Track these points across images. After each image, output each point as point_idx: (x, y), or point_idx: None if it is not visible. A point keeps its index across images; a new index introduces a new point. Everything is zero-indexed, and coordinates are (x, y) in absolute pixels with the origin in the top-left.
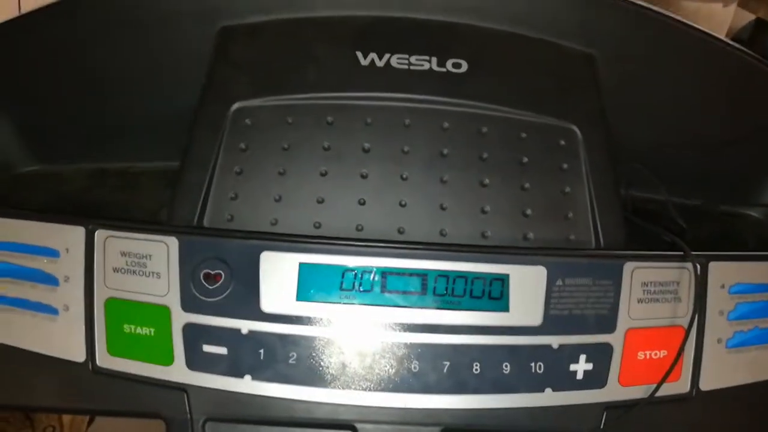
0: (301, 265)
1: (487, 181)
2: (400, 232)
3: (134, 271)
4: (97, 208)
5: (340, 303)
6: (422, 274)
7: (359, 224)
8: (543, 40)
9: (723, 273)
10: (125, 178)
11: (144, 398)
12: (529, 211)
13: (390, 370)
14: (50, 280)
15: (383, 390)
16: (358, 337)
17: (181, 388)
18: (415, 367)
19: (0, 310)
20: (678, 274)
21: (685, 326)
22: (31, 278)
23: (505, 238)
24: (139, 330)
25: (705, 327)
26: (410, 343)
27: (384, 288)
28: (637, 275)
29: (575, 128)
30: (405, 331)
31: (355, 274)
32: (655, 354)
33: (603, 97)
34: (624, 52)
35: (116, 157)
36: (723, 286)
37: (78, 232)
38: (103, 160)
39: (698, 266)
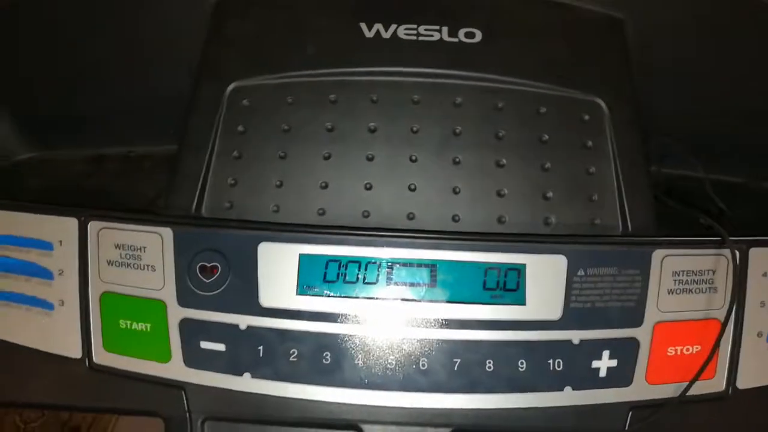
0: (302, 257)
1: (504, 161)
2: (410, 218)
3: (129, 264)
4: (96, 196)
5: (343, 297)
6: (431, 265)
7: (366, 210)
8: (565, 4)
9: (765, 260)
10: (126, 163)
11: (141, 396)
12: (550, 194)
13: (397, 367)
14: (44, 274)
15: (390, 389)
16: (363, 333)
17: (179, 386)
18: (423, 365)
19: None
20: (714, 261)
21: (722, 319)
22: (26, 272)
23: (524, 222)
24: (135, 325)
25: (744, 319)
26: (418, 339)
27: (390, 280)
28: (668, 263)
29: (601, 101)
30: (413, 326)
31: (359, 266)
32: (687, 349)
33: (632, 66)
34: (657, 16)
35: (117, 141)
36: (765, 275)
37: (71, 224)
38: (103, 145)
39: (737, 253)
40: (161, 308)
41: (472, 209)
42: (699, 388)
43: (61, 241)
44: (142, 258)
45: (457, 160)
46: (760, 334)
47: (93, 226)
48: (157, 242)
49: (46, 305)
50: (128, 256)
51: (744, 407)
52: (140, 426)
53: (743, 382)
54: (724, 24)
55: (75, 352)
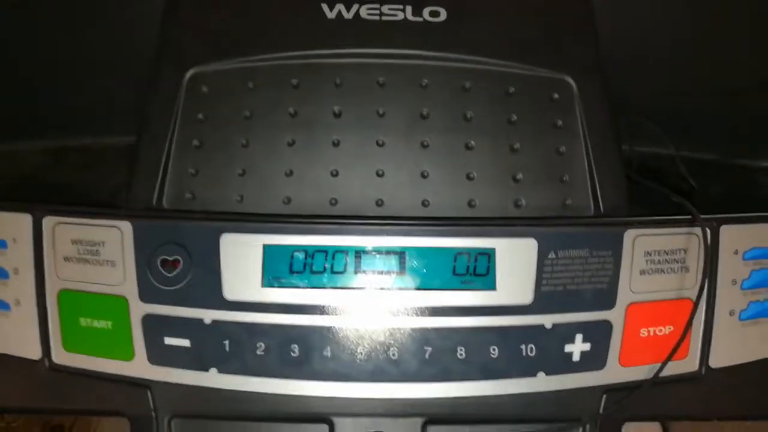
0: (266, 247)
1: (472, 143)
2: (379, 204)
3: (87, 260)
4: (57, 190)
5: (309, 287)
6: (400, 252)
7: (333, 198)
8: None
9: (737, 237)
10: (89, 155)
11: (105, 396)
12: (520, 175)
13: (367, 358)
14: None
15: (360, 380)
16: (331, 324)
17: (144, 384)
18: (394, 354)
19: None
20: (686, 240)
21: (694, 298)
22: None
23: (495, 205)
24: (95, 323)
25: (716, 298)
26: (388, 328)
27: (358, 269)
28: (640, 243)
29: (570, 80)
30: (382, 315)
31: (326, 255)
32: (660, 330)
33: (600, 43)
34: None
35: (79, 132)
36: (736, 252)
37: (25, 220)
38: (64, 137)
39: (708, 231)
40: (123, 304)
41: (442, 193)
42: (672, 369)
43: (15, 239)
44: (101, 253)
45: (426, 143)
46: (732, 313)
47: (48, 222)
48: (116, 236)
49: (2, 305)
50: (86, 252)
51: (717, 386)
52: (124, 423)
53: (716, 361)
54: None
55: (34, 352)
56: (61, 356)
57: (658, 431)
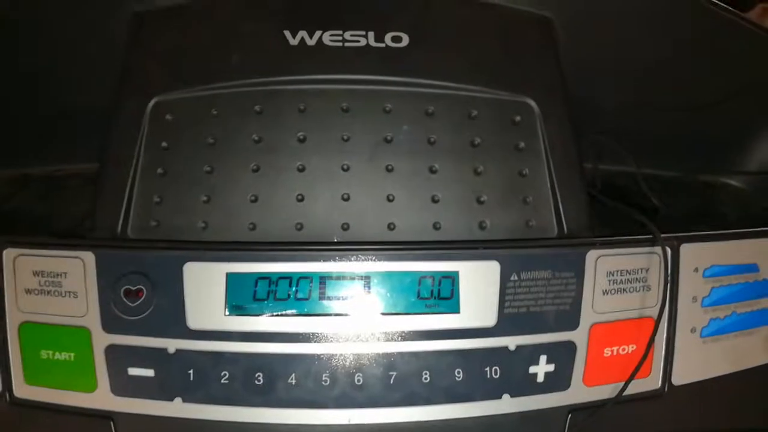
0: (229, 275)
1: (437, 166)
2: (345, 228)
3: (49, 291)
4: (18, 219)
5: (274, 315)
6: (364, 277)
7: (299, 222)
8: (491, 4)
9: (696, 255)
10: (53, 183)
11: (68, 429)
12: (484, 197)
13: (332, 384)
14: None
15: (325, 406)
16: (295, 351)
17: (107, 416)
18: (359, 380)
19: None
20: (647, 260)
21: (655, 317)
22: None
23: (460, 227)
24: (57, 355)
25: (677, 316)
26: (353, 354)
27: (323, 295)
28: (602, 264)
29: (531, 102)
30: (347, 340)
31: (290, 282)
32: (623, 349)
33: (562, 64)
34: (584, 12)
35: (40, 161)
36: (696, 270)
37: None
38: (26, 165)
39: (668, 250)
40: (85, 335)
41: (408, 216)
42: (635, 387)
43: None
44: (63, 284)
45: (390, 167)
46: (693, 330)
47: (8, 254)
48: (78, 267)
49: None
50: (48, 284)
51: (679, 403)
52: None
53: (678, 379)
54: (650, 20)
55: None
56: (21, 390)
57: None
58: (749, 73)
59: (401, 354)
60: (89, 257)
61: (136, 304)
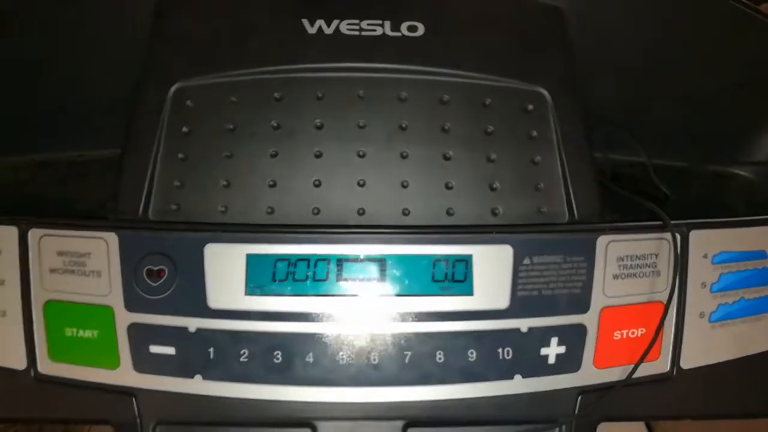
0: (249, 257)
1: (450, 153)
2: (360, 213)
3: (73, 271)
4: (42, 203)
5: (292, 295)
6: (380, 260)
7: (315, 207)
8: None
9: (705, 242)
10: (75, 168)
11: (90, 404)
12: (497, 184)
13: (348, 362)
14: None
15: (342, 384)
16: (313, 330)
17: (129, 392)
18: (374, 359)
19: None
20: (657, 245)
21: (665, 301)
22: None
23: (473, 214)
24: (81, 333)
25: (686, 301)
26: (369, 334)
27: (339, 276)
28: (613, 249)
29: (544, 91)
30: (363, 321)
31: (308, 263)
32: (633, 333)
33: (574, 54)
34: (597, 4)
35: (65, 146)
36: (705, 256)
37: (10, 232)
38: (50, 150)
39: (678, 236)
40: (108, 314)
41: (422, 202)
42: (644, 370)
43: (1, 251)
44: (87, 264)
45: (405, 154)
46: (702, 315)
47: (33, 234)
48: (101, 248)
49: None
50: (72, 263)
51: (688, 387)
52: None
53: (687, 362)
54: (664, 10)
55: (19, 363)
56: (46, 366)
57: (643, 430)
58: (759, 65)
59: (416, 334)
60: (112, 238)
61: (158, 284)
